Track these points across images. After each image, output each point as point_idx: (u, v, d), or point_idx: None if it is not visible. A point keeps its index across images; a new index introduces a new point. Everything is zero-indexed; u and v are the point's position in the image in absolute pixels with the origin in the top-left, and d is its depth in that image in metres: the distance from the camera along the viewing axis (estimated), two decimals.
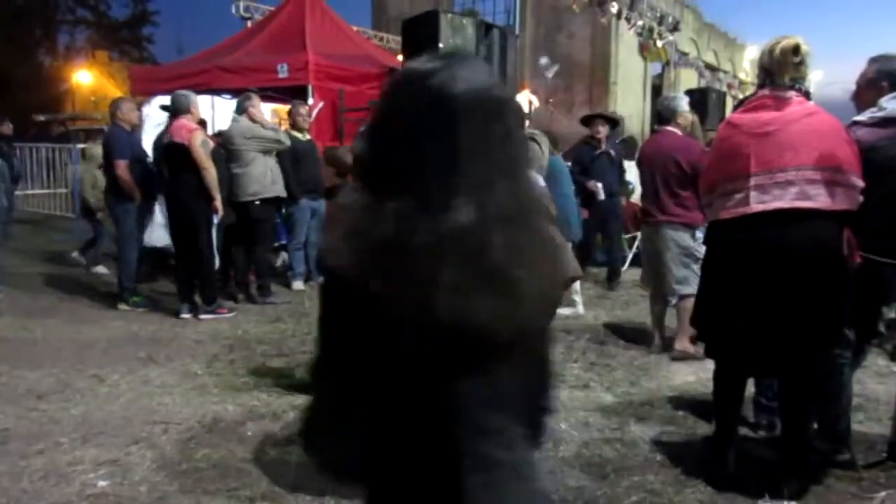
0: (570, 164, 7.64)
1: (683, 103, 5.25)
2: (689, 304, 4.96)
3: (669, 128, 5.13)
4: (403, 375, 1.10)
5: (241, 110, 6.55)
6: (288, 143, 6.60)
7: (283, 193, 6.64)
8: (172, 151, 5.94)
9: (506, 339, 1.10)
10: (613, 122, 7.66)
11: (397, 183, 1.09)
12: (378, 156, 1.16)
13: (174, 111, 6.11)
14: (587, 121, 7.65)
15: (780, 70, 2.94)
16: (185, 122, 5.97)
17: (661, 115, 5.26)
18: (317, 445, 1.20)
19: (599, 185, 7.18)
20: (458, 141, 1.08)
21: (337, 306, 1.13)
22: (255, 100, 6.62)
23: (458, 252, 1.06)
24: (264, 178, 6.43)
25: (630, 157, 7.85)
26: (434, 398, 1.12)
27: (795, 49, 2.93)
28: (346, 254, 1.10)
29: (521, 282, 1.10)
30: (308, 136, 7.14)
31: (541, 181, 2.85)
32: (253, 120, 6.49)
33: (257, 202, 6.42)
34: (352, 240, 1.11)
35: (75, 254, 8.29)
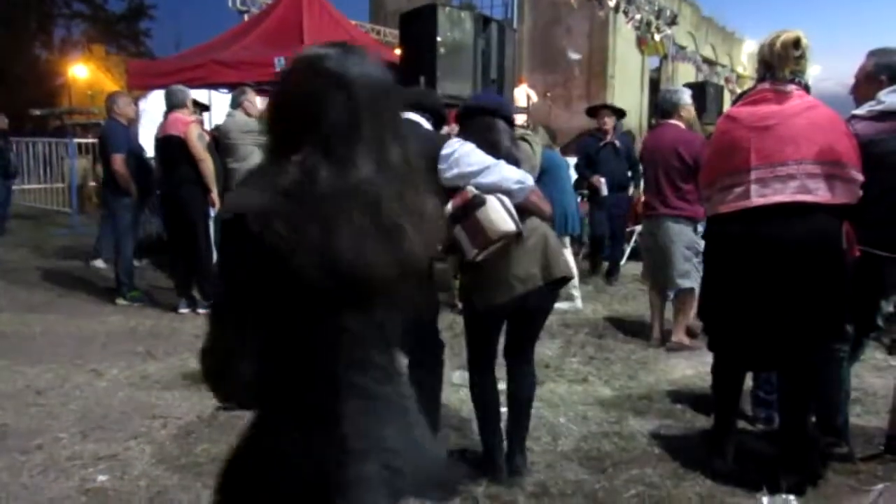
0: (574, 157, 7.60)
1: (686, 96, 5.23)
2: (688, 297, 4.99)
3: (672, 121, 5.12)
4: (294, 313, 1.25)
5: (236, 104, 6.53)
6: None
7: None
8: (168, 145, 5.92)
9: (391, 280, 1.28)
10: (620, 113, 7.55)
11: (301, 141, 1.27)
12: (284, 119, 1.34)
13: (169, 105, 6.10)
14: (593, 112, 7.55)
15: (781, 63, 2.93)
16: (180, 115, 5.96)
17: (663, 108, 5.22)
18: (215, 378, 1.34)
19: (602, 179, 7.09)
20: (356, 107, 1.28)
21: (239, 252, 1.26)
22: (251, 94, 6.59)
23: (357, 200, 1.24)
24: None
25: None
26: (321, 334, 1.28)
27: (796, 42, 2.92)
28: (252, 202, 1.23)
29: (406, 230, 1.28)
30: None
31: (530, 181, 2.84)
32: (248, 114, 6.47)
33: None
34: (258, 189, 1.25)
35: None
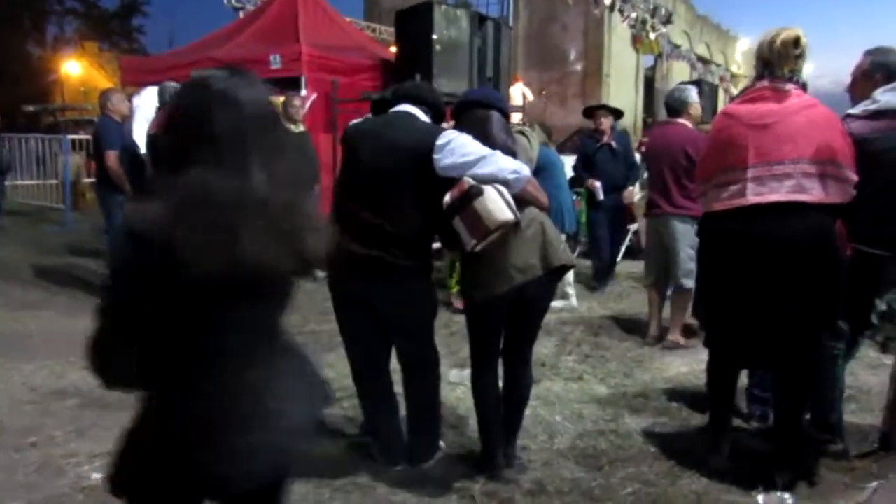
0: (569, 155, 7.54)
1: (694, 94, 5.19)
2: (686, 296, 4.99)
3: (681, 120, 5.10)
4: (187, 307, 1.38)
5: None
6: None
7: None
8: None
9: (286, 275, 1.49)
10: (617, 113, 7.47)
11: (196, 154, 1.39)
12: (178, 135, 1.45)
13: (162, 102, 6.06)
14: (589, 112, 7.47)
15: (781, 62, 2.94)
16: None
17: (671, 106, 5.18)
18: (102, 367, 1.43)
19: (598, 184, 7.01)
20: (243, 121, 1.42)
21: (136, 259, 1.36)
22: None
23: (255, 206, 1.38)
24: None
25: None
26: (210, 323, 1.42)
27: (796, 41, 2.92)
28: (154, 213, 1.33)
29: (297, 229, 1.46)
30: (302, 128, 7.08)
31: (526, 171, 2.84)
32: None
33: None
34: (159, 200, 1.35)
35: None
